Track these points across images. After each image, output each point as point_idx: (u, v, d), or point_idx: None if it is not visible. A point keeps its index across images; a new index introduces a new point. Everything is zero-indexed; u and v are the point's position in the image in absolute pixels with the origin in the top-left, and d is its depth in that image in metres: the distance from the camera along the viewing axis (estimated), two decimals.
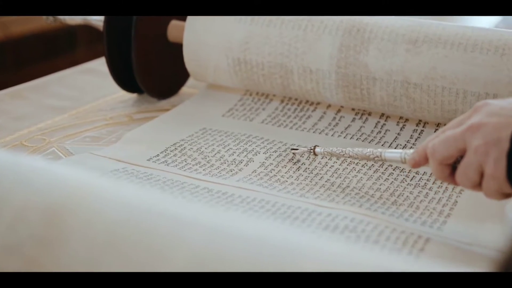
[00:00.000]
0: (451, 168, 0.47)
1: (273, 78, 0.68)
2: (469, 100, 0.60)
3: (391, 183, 0.57)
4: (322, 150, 0.58)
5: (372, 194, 0.55)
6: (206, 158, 0.61)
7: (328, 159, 0.60)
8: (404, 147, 0.63)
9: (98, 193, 0.35)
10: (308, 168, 0.59)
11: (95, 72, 0.83)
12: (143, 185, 0.55)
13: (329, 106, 0.70)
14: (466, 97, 0.60)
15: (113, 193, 0.35)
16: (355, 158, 0.55)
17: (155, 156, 0.61)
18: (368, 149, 0.54)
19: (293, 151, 0.61)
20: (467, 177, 0.46)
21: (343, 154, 0.56)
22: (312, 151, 0.59)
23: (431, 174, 0.58)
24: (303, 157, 0.61)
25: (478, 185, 0.46)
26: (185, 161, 0.61)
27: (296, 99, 0.71)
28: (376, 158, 0.53)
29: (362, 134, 0.66)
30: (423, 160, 0.49)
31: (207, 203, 0.52)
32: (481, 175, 0.45)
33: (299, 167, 0.60)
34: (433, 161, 0.47)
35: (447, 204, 0.54)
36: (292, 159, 0.61)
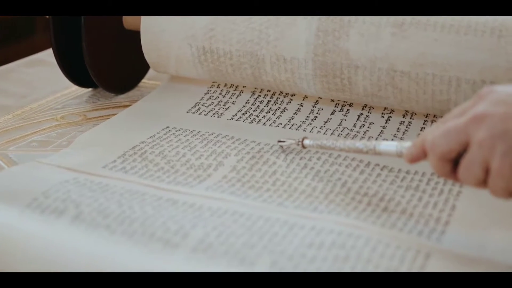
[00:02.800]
0: (452, 164, 0.41)
1: (242, 68, 0.61)
2: (463, 88, 0.54)
3: (379, 186, 0.50)
4: (311, 142, 0.53)
5: (360, 200, 0.49)
6: (170, 163, 0.54)
7: (308, 160, 0.54)
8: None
9: None
10: (286, 171, 0.53)
11: (44, 65, 0.74)
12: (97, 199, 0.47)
13: (305, 97, 0.63)
14: (460, 86, 0.54)
15: None
16: (347, 152, 0.49)
17: (112, 162, 0.54)
18: (361, 142, 0.48)
19: (280, 143, 0.55)
20: (471, 174, 0.40)
21: (334, 147, 0.50)
22: (300, 143, 0.53)
23: (423, 174, 0.52)
24: (280, 156, 0.54)
25: (483, 182, 0.40)
26: (146, 167, 0.53)
27: (269, 90, 0.64)
28: (369, 152, 0.47)
29: (344, 128, 0.59)
30: (421, 155, 0.43)
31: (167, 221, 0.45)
32: (487, 171, 0.40)
33: (275, 170, 0.53)
34: (432, 156, 0.41)
35: (444, 210, 0.48)
36: (267, 161, 0.54)
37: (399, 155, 0.45)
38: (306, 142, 0.53)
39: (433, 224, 0.46)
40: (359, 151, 0.48)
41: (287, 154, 0.55)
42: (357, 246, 0.42)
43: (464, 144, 0.40)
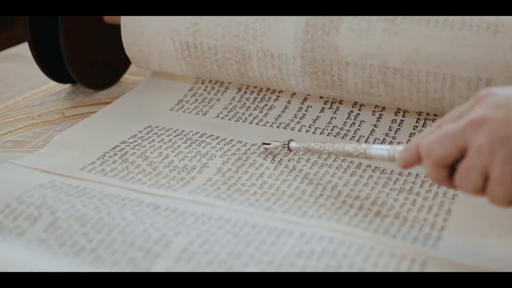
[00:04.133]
0: (449, 169, 0.39)
1: (228, 64, 0.58)
2: (458, 86, 0.51)
3: (371, 189, 0.48)
4: (297, 145, 0.50)
5: (351, 204, 0.47)
6: (152, 165, 0.51)
7: (297, 162, 0.51)
8: (383, 141, 0.55)
9: None
10: (273, 174, 0.50)
11: (20, 59, 0.71)
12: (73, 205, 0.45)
13: (293, 94, 0.61)
14: (455, 83, 0.51)
15: None
16: (336, 155, 0.47)
17: (91, 164, 0.51)
18: (351, 145, 0.45)
19: (265, 146, 0.52)
20: (469, 181, 0.38)
21: (322, 150, 0.48)
22: (286, 146, 0.51)
23: (416, 175, 0.49)
24: (268, 158, 0.51)
25: (481, 189, 0.38)
26: (127, 169, 0.51)
27: (255, 87, 0.62)
28: (359, 155, 0.45)
29: (334, 127, 0.57)
30: (415, 160, 0.41)
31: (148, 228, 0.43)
32: (485, 179, 0.37)
33: (263, 172, 0.50)
34: (428, 162, 0.39)
35: (439, 214, 0.45)
36: (254, 163, 0.51)
37: (391, 159, 0.43)
38: (293, 144, 0.51)
39: (428, 230, 0.44)
40: (348, 154, 0.46)
41: (274, 156, 0.52)
42: (349, 255, 0.40)
43: (461, 149, 0.38)
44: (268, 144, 0.52)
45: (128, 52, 0.61)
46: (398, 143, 0.54)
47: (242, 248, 0.41)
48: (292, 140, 0.51)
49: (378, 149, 0.44)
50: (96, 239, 0.42)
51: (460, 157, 0.38)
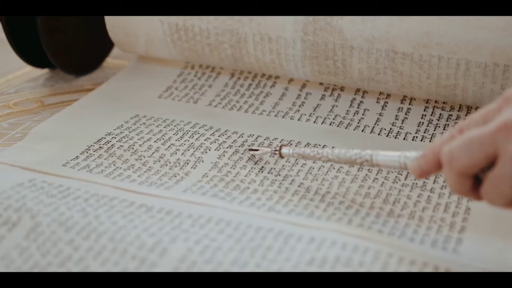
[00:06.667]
0: (473, 180, 0.35)
1: (221, 48, 0.54)
2: (472, 72, 0.48)
3: (382, 185, 0.44)
4: (290, 151, 0.44)
5: (361, 203, 0.43)
6: (141, 160, 0.47)
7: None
8: (390, 131, 0.51)
9: None
10: (274, 168, 0.46)
11: None
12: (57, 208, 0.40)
13: (291, 80, 0.56)
14: (469, 69, 0.48)
15: None
16: (336, 162, 0.42)
17: (74, 159, 0.47)
18: (354, 151, 0.41)
19: (252, 152, 0.47)
20: (499, 193, 0.33)
21: (320, 157, 0.43)
22: (277, 152, 0.45)
23: None
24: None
25: None
26: (114, 165, 0.46)
27: (249, 72, 0.57)
28: (364, 163, 0.40)
29: (336, 116, 0.53)
30: (433, 168, 0.36)
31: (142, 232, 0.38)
32: None
33: (263, 166, 0.46)
34: (450, 171, 0.35)
35: (458, 213, 0.42)
36: (252, 157, 0.47)
37: (403, 167, 0.39)
38: (285, 151, 0.45)
39: (447, 231, 0.40)
40: (351, 162, 0.41)
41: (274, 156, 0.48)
42: (366, 263, 0.36)
43: (490, 157, 0.33)
44: (256, 150, 0.46)
45: (112, 34, 0.57)
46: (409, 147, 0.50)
47: (246, 256, 0.37)
48: (284, 145, 0.45)
49: (386, 156, 0.39)
50: (83, 247, 0.37)
51: (488, 166, 0.34)
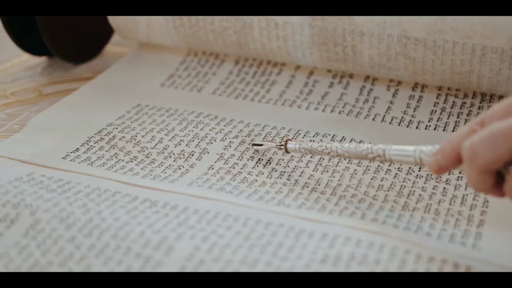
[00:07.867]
0: (495, 176, 0.33)
1: (226, 34, 0.52)
2: (489, 58, 0.46)
3: (395, 177, 0.43)
4: (297, 146, 0.42)
5: (374, 196, 0.41)
6: (144, 151, 0.45)
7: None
8: (401, 120, 0.49)
9: None
10: (283, 160, 0.44)
11: None
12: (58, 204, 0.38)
13: (297, 67, 0.55)
14: (486, 55, 0.46)
15: None
16: (346, 158, 0.40)
17: (74, 152, 0.45)
18: (365, 145, 0.39)
19: (255, 147, 0.45)
20: None
21: (328, 152, 0.41)
22: (283, 147, 0.43)
23: None
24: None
25: None
26: (116, 157, 0.45)
27: (254, 59, 0.55)
28: (376, 158, 0.38)
29: (345, 104, 0.51)
30: (451, 164, 0.34)
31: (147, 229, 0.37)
32: None
33: (271, 157, 0.45)
34: (472, 167, 0.33)
35: (475, 206, 0.40)
36: (256, 153, 0.45)
37: (418, 163, 0.37)
38: (291, 145, 0.43)
39: (465, 225, 0.38)
40: (362, 157, 0.39)
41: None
42: (382, 261, 0.35)
43: None
44: (260, 145, 0.44)
45: (112, 21, 0.55)
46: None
47: (256, 254, 0.35)
48: (290, 139, 0.43)
49: (400, 151, 0.37)
50: (85, 245, 0.36)
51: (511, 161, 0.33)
